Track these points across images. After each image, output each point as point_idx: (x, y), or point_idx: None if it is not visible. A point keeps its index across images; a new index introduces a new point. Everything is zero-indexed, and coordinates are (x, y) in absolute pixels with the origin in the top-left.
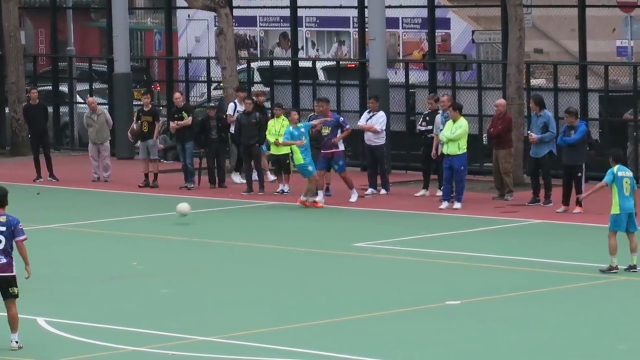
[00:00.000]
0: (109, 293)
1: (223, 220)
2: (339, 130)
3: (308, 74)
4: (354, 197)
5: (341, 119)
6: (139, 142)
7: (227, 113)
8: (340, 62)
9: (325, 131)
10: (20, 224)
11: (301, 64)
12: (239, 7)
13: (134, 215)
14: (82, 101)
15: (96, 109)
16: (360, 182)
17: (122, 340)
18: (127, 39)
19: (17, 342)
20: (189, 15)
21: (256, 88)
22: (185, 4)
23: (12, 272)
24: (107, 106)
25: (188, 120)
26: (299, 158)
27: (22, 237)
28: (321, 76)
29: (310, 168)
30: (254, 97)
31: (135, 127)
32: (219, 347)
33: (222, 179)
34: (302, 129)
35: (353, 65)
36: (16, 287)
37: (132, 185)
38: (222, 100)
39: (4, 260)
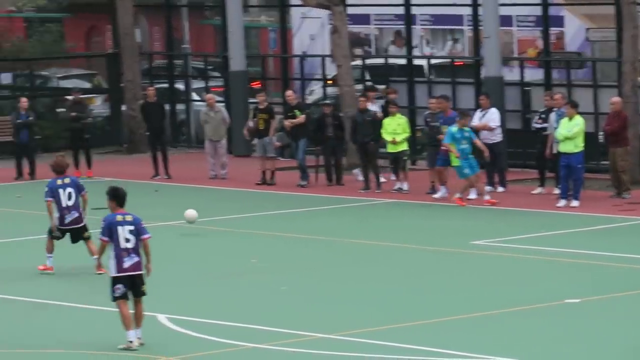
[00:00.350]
0: (228, 290)
1: (341, 218)
2: None
3: (418, 72)
4: (439, 194)
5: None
6: (256, 139)
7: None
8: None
9: (445, 129)
10: (143, 222)
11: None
12: (353, 5)
13: (252, 213)
14: (198, 99)
15: (214, 105)
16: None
17: (242, 337)
18: (242, 37)
19: (139, 338)
20: (303, 13)
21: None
22: (300, 2)
23: (142, 270)
24: (223, 104)
25: (301, 118)
26: (455, 160)
27: (147, 235)
28: (429, 74)
29: (467, 171)
30: (382, 95)
31: (251, 124)
32: (338, 344)
33: (339, 177)
34: (467, 134)
35: (462, 63)
36: (144, 284)
37: (249, 183)
38: (338, 98)
39: (137, 259)
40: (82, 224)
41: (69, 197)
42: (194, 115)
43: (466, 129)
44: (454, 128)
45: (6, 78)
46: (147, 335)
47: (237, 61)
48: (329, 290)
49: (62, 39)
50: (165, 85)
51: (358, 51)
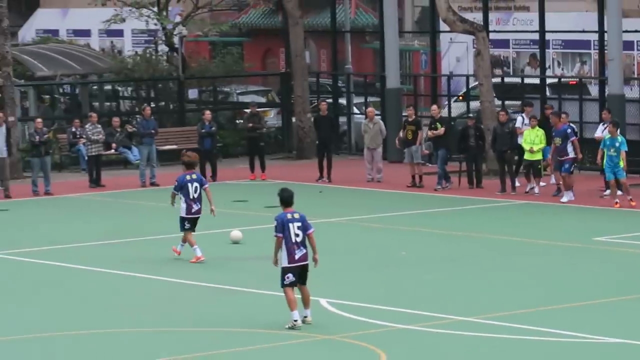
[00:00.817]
0: (380, 278)
1: (479, 216)
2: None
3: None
4: (565, 198)
5: (569, 129)
6: (405, 148)
7: (516, 126)
8: (562, 79)
9: (558, 141)
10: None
11: (527, 80)
12: (494, 31)
13: (403, 211)
14: (358, 112)
15: (373, 117)
16: (585, 185)
17: (391, 319)
18: (397, 59)
19: (306, 317)
20: (450, 38)
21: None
22: (448, 29)
23: (307, 260)
24: (380, 116)
25: (441, 130)
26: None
27: (311, 230)
28: (548, 92)
29: (611, 175)
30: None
31: (401, 135)
32: (476, 326)
33: (479, 181)
34: (618, 143)
35: (574, 82)
36: (307, 273)
37: (401, 185)
38: (479, 112)
39: (304, 251)
40: (201, 215)
41: (195, 191)
42: (354, 126)
43: (618, 138)
44: (606, 135)
45: (193, 93)
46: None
47: (392, 80)
48: (468, 278)
49: (242, 60)
50: (330, 100)
51: (498, 71)
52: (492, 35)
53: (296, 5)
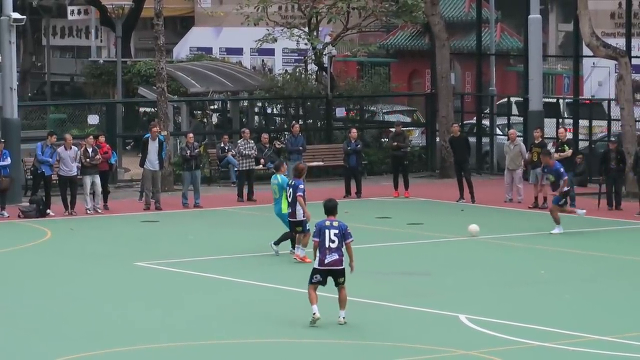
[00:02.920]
0: (519, 296)
1: (619, 238)
2: None
3: None
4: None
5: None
6: (531, 169)
7: None
8: None
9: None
10: (349, 228)
11: None
12: (636, 56)
13: (542, 231)
14: (501, 133)
15: (514, 139)
16: None
17: (529, 336)
18: (540, 82)
19: (344, 317)
20: (593, 63)
21: None
22: (591, 53)
23: (342, 266)
24: (522, 138)
25: (568, 152)
26: None
27: (350, 240)
28: None
29: None
30: None
31: (527, 157)
32: (612, 346)
33: (618, 203)
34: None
35: None
36: (344, 277)
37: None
38: (620, 136)
39: (336, 257)
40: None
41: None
42: (496, 147)
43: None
44: None
45: (340, 112)
46: (449, 332)
47: (535, 102)
48: (605, 298)
49: (388, 80)
50: (473, 121)
51: (639, 96)
52: (634, 61)
53: (443, 28)
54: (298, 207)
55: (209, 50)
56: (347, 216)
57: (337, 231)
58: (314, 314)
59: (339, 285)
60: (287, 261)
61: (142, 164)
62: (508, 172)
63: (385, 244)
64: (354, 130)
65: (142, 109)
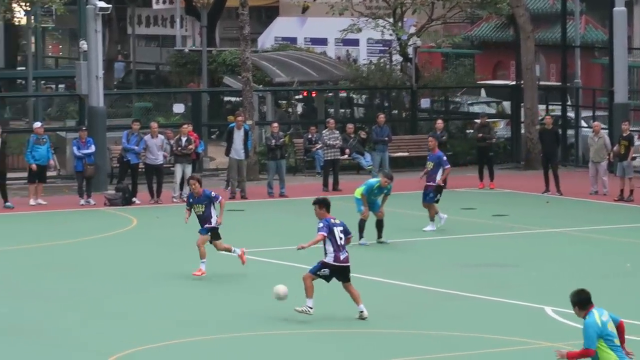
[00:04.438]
0: (605, 288)
1: None
2: None
3: None
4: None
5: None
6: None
7: None
8: None
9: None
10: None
11: None
12: None
13: (629, 224)
14: (586, 125)
15: (599, 131)
16: None
17: None
18: (625, 74)
19: (362, 311)
20: None
21: None
22: None
23: (349, 262)
24: (607, 131)
25: None
26: None
27: (351, 235)
28: None
29: None
30: None
31: (615, 149)
32: None
33: None
34: None
35: None
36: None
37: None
38: None
39: (347, 254)
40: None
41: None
42: (581, 139)
43: None
44: None
45: (425, 103)
46: (535, 324)
47: (620, 95)
48: None
49: (473, 71)
50: (558, 113)
51: None
52: None
53: (528, 20)
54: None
55: (293, 40)
56: None
57: (341, 228)
58: (311, 308)
59: (348, 281)
60: (375, 250)
61: (227, 153)
62: (592, 164)
63: (470, 235)
64: (439, 121)
65: (226, 99)
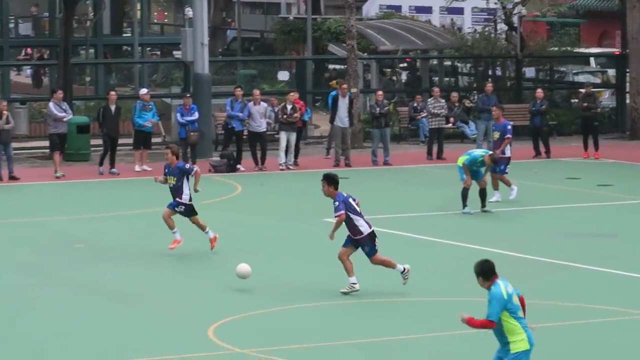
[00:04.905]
0: None
1: None
2: None
3: None
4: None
5: (509, 125)
6: None
7: None
8: None
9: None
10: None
11: None
12: None
13: None
14: None
15: None
16: None
17: None
18: None
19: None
20: None
21: None
22: None
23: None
24: None
25: None
26: None
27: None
28: None
29: None
30: None
31: None
32: None
33: None
34: None
35: None
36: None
37: None
38: None
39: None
40: None
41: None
42: None
43: None
44: None
45: (530, 72)
46: (637, 294)
47: None
48: None
49: (578, 41)
50: None
51: None
52: None
53: None
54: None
55: (398, 8)
56: (535, 176)
57: (355, 199)
58: (355, 284)
59: (376, 252)
60: (479, 219)
61: (332, 121)
62: None
63: (574, 205)
64: (539, 90)
65: (330, 66)
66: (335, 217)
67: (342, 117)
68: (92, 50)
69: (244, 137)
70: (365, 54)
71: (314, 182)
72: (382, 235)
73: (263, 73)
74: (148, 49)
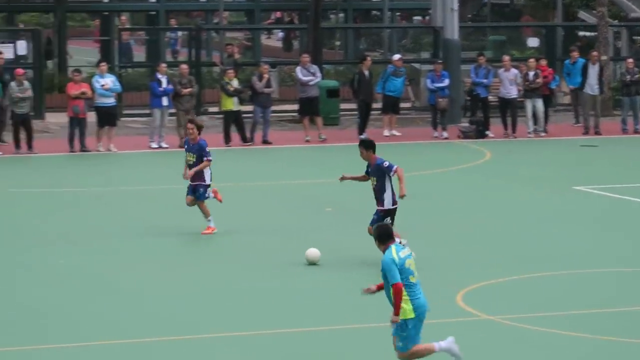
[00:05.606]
0: None
1: None
2: None
3: None
4: None
5: None
6: None
7: None
8: None
9: None
10: None
11: None
12: None
13: None
14: None
15: None
16: None
17: None
18: None
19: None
20: None
21: None
22: None
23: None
24: None
25: None
26: None
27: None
28: None
29: None
30: None
31: None
32: None
33: None
34: None
35: None
36: None
37: None
38: None
39: None
40: None
41: None
42: None
43: None
44: None
45: None
46: None
47: None
48: None
49: None
50: None
51: None
52: None
53: None
54: None
55: None
56: None
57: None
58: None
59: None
60: None
61: (581, 88)
62: None
63: None
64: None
65: (580, 33)
66: (394, 172)
67: (592, 85)
68: (341, 15)
69: (493, 103)
70: (616, 21)
71: (563, 149)
72: (626, 203)
73: (512, 39)
74: (397, 14)
